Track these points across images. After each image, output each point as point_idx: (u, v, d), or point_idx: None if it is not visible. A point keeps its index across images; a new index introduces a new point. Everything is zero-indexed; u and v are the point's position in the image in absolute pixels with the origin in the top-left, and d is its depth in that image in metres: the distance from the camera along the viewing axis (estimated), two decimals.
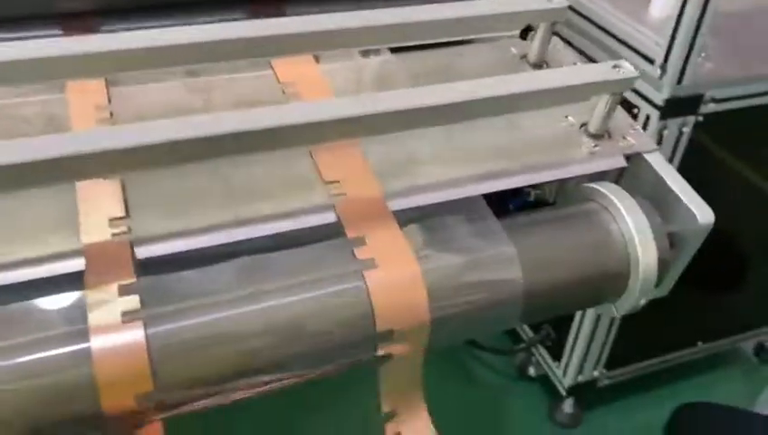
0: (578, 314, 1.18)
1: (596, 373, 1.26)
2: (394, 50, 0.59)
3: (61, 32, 0.54)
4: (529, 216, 0.49)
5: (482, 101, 0.45)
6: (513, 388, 1.39)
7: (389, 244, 0.43)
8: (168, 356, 0.37)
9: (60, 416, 0.37)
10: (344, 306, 0.41)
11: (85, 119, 0.48)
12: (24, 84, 0.49)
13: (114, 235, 0.41)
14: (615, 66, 0.49)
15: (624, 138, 0.52)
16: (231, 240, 0.42)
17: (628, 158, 0.52)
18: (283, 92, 0.53)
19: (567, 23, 0.60)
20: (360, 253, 0.42)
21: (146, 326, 0.37)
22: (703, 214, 0.48)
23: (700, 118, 0.95)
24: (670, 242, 0.49)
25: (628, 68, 0.49)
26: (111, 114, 0.49)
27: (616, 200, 0.48)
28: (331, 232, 0.44)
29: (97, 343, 0.36)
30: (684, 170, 0.50)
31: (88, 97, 0.50)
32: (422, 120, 0.44)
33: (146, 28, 0.45)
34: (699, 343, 1.33)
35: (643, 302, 0.49)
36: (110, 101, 0.50)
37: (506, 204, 0.53)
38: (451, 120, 0.46)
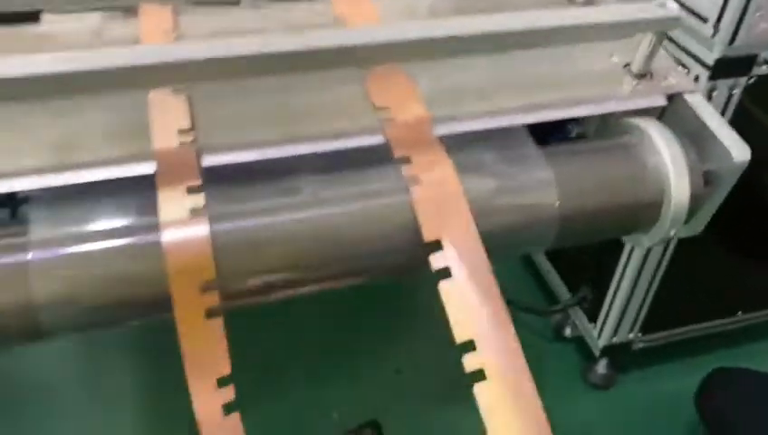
0: (616, 276, 1.19)
1: (631, 336, 1.26)
2: None
3: None
4: (568, 146, 0.52)
5: (528, 31, 0.47)
6: (548, 348, 1.41)
7: (434, 163, 0.46)
8: (230, 249, 0.42)
9: (134, 299, 0.42)
10: (390, 216, 0.44)
11: (154, 40, 0.52)
12: (98, 10, 0.54)
13: (182, 143, 0.45)
14: (660, 5, 0.50)
15: (666, 78, 0.54)
16: (287, 155, 0.46)
17: (669, 98, 0.53)
18: (338, 22, 0.56)
19: None
20: (407, 170, 0.45)
21: (210, 222, 0.41)
22: (739, 151, 0.49)
23: (752, 79, 0.94)
24: (706, 180, 0.51)
25: (672, 7, 0.50)
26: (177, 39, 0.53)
27: (654, 133, 0.50)
28: (381, 152, 0.47)
29: (167, 235, 0.41)
30: None
31: (157, 22, 0.54)
32: (470, 48, 0.47)
33: None
34: (739, 313, 1.32)
35: (672, 234, 0.51)
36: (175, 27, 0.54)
37: (546, 139, 0.55)
38: (498, 48, 0.48)
